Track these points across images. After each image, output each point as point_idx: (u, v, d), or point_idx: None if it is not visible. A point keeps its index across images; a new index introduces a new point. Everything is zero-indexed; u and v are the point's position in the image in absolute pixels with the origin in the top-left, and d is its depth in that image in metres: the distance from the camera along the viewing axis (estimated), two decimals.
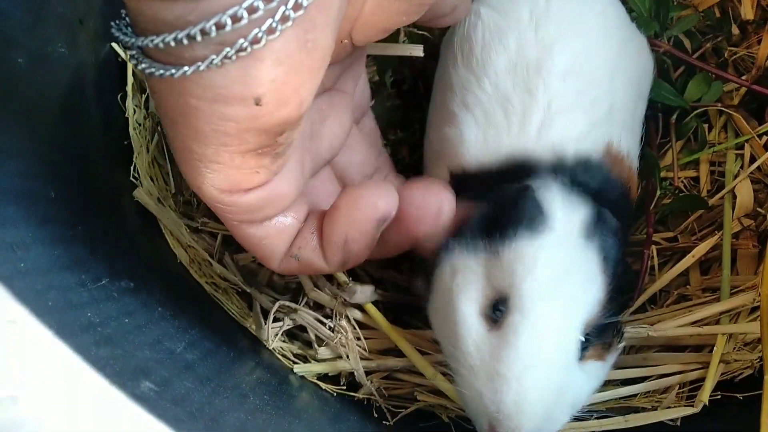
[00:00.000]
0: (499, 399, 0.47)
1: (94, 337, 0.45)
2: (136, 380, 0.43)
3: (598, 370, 0.52)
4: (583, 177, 0.54)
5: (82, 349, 0.40)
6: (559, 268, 0.49)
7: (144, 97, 0.74)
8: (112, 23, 0.39)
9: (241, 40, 0.35)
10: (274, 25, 0.35)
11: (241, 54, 0.35)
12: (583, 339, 0.50)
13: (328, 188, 0.56)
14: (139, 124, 0.73)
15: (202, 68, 0.35)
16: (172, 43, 0.35)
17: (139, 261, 0.62)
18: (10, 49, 0.57)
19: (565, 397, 0.49)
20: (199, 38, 0.34)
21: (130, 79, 0.73)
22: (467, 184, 0.56)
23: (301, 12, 0.35)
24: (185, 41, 0.35)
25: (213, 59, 0.35)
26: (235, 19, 0.34)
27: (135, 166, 0.70)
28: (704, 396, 0.56)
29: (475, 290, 0.51)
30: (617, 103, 0.58)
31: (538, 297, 0.48)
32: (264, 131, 0.38)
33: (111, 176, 0.69)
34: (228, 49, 0.35)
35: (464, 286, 0.51)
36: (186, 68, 0.35)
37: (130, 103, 0.72)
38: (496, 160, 0.55)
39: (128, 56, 0.40)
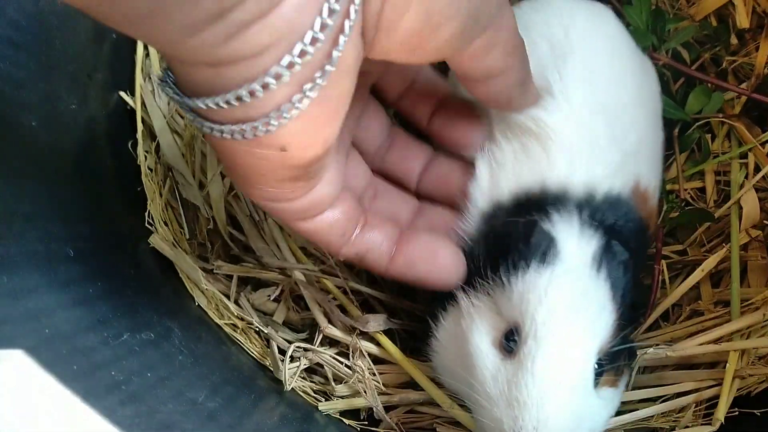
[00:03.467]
0: (519, 426, 0.47)
1: (119, 396, 0.46)
2: None
3: (612, 396, 0.53)
4: (608, 214, 0.54)
5: (108, 411, 0.41)
6: (571, 297, 0.50)
7: (155, 143, 0.75)
8: (160, 80, 0.43)
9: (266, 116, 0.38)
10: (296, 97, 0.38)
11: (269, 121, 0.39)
12: (597, 366, 0.50)
13: (358, 171, 0.60)
14: (151, 170, 0.75)
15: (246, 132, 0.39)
16: (223, 105, 0.38)
17: (158, 309, 0.64)
18: (23, 114, 0.59)
19: (583, 423, 0.49)
20: (235, 103, 0.38)
21: (140, 126, 0.74)
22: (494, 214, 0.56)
23: (320, 82, 0.38)
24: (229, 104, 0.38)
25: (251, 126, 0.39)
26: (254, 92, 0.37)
27: (149, 212, 0.72)
28: (720, 414, 0.56)
29: (486, 323, 0.52)
30: (642, 135, 0.58)
31: (553, 324, 0.48)
32: (294, 167, 0.43)
33: (126, 224, 0.70)
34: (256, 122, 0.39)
35: (474, 320, 0.53)
36: (229, 127, 0.40)
37: (140, 150, 0.74)
38: (523, 192, 0.55)
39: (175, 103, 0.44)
